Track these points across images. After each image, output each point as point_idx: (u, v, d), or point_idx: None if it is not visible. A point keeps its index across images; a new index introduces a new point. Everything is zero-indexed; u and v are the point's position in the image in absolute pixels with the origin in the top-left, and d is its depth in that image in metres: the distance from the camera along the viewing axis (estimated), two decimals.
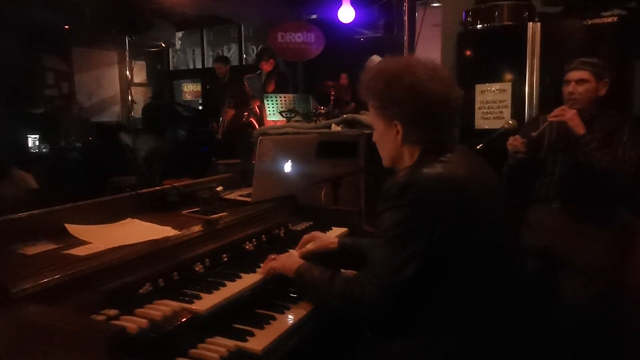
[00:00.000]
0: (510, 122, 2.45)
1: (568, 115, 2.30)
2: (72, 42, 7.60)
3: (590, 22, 2.94)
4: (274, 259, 1.57)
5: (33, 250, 1.40)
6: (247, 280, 1.51)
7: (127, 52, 6.84)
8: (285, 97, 5.06)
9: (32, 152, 5.62)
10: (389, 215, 1.24)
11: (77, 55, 7.90)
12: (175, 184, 2.07)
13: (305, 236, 1.81)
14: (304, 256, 1.69)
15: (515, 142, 2.39)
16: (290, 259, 1.54)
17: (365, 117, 2.94)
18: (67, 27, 6.98)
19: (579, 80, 2.35)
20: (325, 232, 2.07)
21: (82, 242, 1.48)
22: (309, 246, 1.78)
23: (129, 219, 1.75)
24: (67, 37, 7.28)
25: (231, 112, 6.14)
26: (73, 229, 1.56)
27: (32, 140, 5.68)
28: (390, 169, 1.44)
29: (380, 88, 1.32)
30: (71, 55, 7.79)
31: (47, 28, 6.29)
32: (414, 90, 1.27)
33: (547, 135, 2.47)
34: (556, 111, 2.35)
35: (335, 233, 2.08)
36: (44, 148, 5.72)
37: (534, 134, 2.39)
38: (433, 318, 1.26)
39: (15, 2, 5.19)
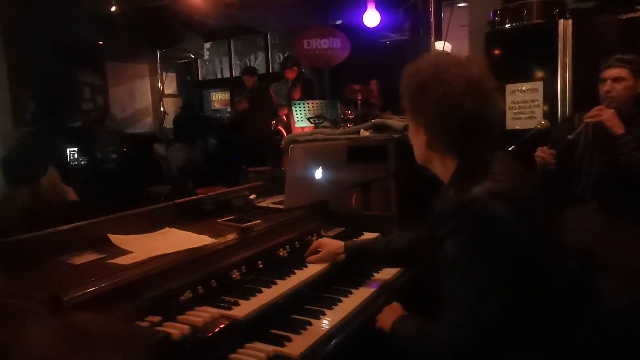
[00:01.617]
0: (542, 122, 2.41)
1: (606, 115, 2.25)
2: (106, 57, 7.89)
3: (625, 16, 2.87)
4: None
5: (80, 260, 1.47)
6: (283, 286, 1.54)
7: (158, 65, 7.06)
8: (312, 103, 5.11)
9: (72, 165, 5.85)
10: (451, 243, 1.18)
11: (111, 69, 8.19)
12: (210, 193, 2.12)
13: (313, 245, 1.81)
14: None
15: (543, 154, 2.33)
16: (390, 313, 1.45)
17: (394, 121, 2.94)
18: (101, 42, 7.26)
19: (616, 78, 2.29)
20: (357, 237, 2.09)
21: (125, 252, 1.54)
22: (318, 255, 1.77)
23: (167, 228, 1.82)
24: (101, 52, 7.56)
25: (244, 104, 6.23)
26: (115, 238, 1.63)
27: (71, 153, 5.91)
28: (420, 173, 1.43)
29: (411, 91, 1.28)
30: (105, 70, 8.09)
31: (83, 44, 6.56)
32: (442, 104, 1.21)
33: (582, 135, 2.42)
34: (593, 111, 2.30)
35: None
36: (82, 160, 5.94)
37: (570, 136, 2.34)
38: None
39: (53, 20, 5.43)
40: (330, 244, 1.79)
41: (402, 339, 1.36)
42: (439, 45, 4.79)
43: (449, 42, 4.94)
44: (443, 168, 1.32)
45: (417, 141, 1.34)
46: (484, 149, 1.27)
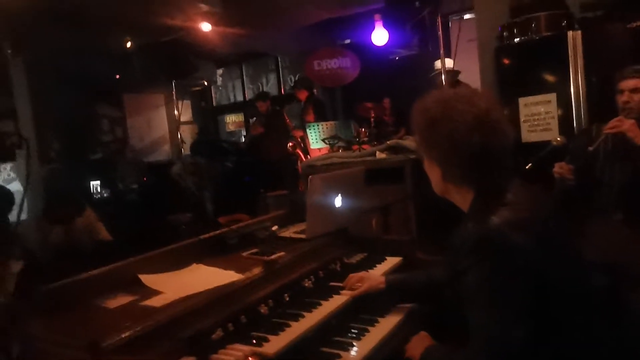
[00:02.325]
0: (558, 138, 2.41)
1: (626, 126, 2.25)
2: (123, 89, 8.11)
3: (634, 25, 2.87)
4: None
5: (114, 303, 1.52)
6: (310, 319, 1.57)
7: (173, 94, 7.24)
8: (326, 124, 5.17)
9: (96, 198, 5.99)
10: (472, 275, 1.20)
11: (128, 101, 8.41)
12: (233, 226, 2.17)
13: (353, 277, 1.82)
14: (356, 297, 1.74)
15: (561, 170, 2.33)
16: (419, 343, 1.47)
17: (409, 142, 2.97)
18: (118, 76, 7.48)
19: (634, 89, 2.30)
20: (379, 263, 2.11)
21: (156, 292, 1.59)
22: (360, 289, 1.78)
23: (194, 265, 1.86)
24: (118, 85, 7.79)
25: (259, 128, 6.33)
26: (146, 279, 1.68)
27: (94, 187, 6.06)
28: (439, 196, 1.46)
29: (422, 127, 1.33)
30: (122, 101, 8.30)
31: (101, 79, 6.77)
32: (452, 140, 1.25)
33: (602, 146, 2.41)
34: (612, 122, 2.30)
35: (390, 263, 2.12)
36: (104, 193, 6.08)
37: (590, 148, 2.34)
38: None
39: (73, 58, 5.63)
40: (372, 279, 1.81)
41: None
42: (442, 64, 4.82)
43: (458, 56, 4.97)
44: (461, 199, 1.35)
45: (433, 174, 1.38)
46: (498, 178, 1.30)
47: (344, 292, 1.79)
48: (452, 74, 4.74)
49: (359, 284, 1.79)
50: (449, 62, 4.82)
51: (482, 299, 1.19)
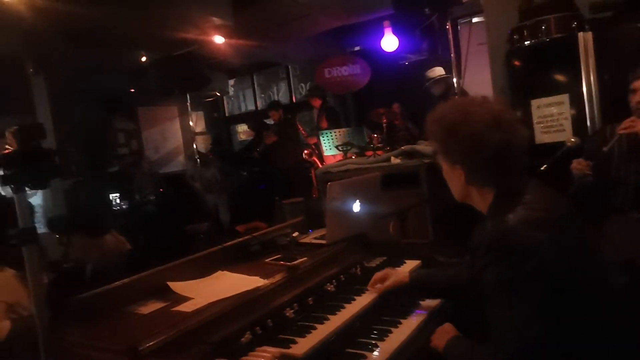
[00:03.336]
0: (572, 139, 2.43)
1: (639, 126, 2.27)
2: (138, 103, 8.27)
3: None
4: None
5: (146, 309, 1.59)
6: (335, 321, 1.61)
7: (187, 105, 7.36)
8: (339, 131, 5.24)
9: (115, 210, 6.11)
10: (490, 273, 1.24)
11: (142, 114, 8.57)
12: (254, 234, 2.23)
13: (378, 274, 1.86)
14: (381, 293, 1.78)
15: (580, 167, 2.35)
16: (443, 334, 1.52)
17: (423, 147, 3.02)
18: (132, 90, 7.64)
19: None
20: (398, 267, 2.15)
21: (185, 298, 1.65)
22: (386, 283, 1.82)
23: (219, 272, 1.92)
24: (133, 99, 7.95)
25: (272, 137, 6.41)
26: (175, 286, 1.75)
27: (113, 199, 6.19)
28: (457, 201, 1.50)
29: (441, 135, 1.39)
30: (137, 115, 8.46)
31: (117, 94, 6.93)
32: (472, 141, 1.31)
33: (616, 146, 2.43)
34: (626, 123, 2.32)
35: (409, 266, 2.15)
36: (123, 205, 6.20)
37: (605, 148, 2.35)
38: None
39: (91, 74, 5.79)
40: (397, 273, 1.85)
41: (453, 358, 1.43)
42: (438, 71, 4.87)
43: (468, 60, 5.00)
44: (482, 201, 1.40)
45: (455, 179, 1.42)
46: (517, 177, 1.36)
47: (371, 287, 1.84)
48: (447, 79, 4.80)
49: (385, 282, 1.83)
50: (440, 71, 4.89)
51: (500, 298, 1.23)
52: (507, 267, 1.22)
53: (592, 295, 1.30)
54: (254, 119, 9.82)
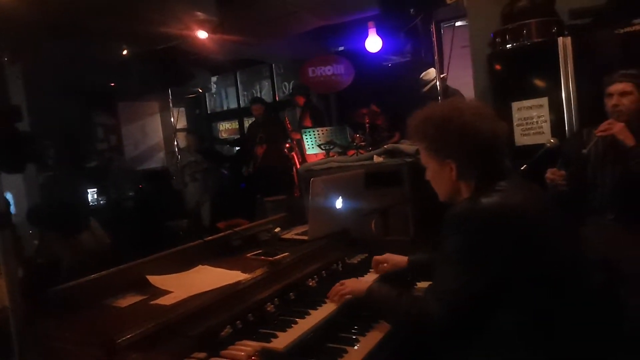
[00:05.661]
0: (552, 140, 2.48)
1: (616, 128, 2.32)
2: (118, 98, 8.12)
3: (622, 31, 2.96)
4: (341, 286, 1.67)
5: (124, 302, 1.56)
6: (316, 316, 1.61)
7: (169, 101, 7.26)
8: (321, 130, 5.23)
9: (93, 206, 5.99)
10: (451, 241, 1.33)
11: (123, 109, 8.41)
12: (236, 229, 2.21)
13: (377, 258, 1.96)
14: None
15: (553, 177, 2.40)
16: (358, 283, 1.65)
17: (406, 146, 3.04)
18: (113, 84, 7.50)
19: (623, 92, 2.38)
20: None
21: (164, 292, 1.63)
22: (385, 266, 1.93)
23: (199, 266, 1.90)
24: (113, 94, 7.80)
25: (262, 149, 6.36)
26: (154, 279, 1.72)
27: (91, 194, 6.06)
28: (435, 195, 1.53)
29: (430, 132, 1.42)
30: (117, 110, 8.31)
31: (96, 88, 6.79)
32: (465, 131, 1.36)
33: (592, 148, 2.49)
34: (603, 125, 2.37)
35: None
36: (101, 200, 6.08)
37: (584, 151, 2.41)
38: (496, 333, 1.32)
39: (69, 67, 5.66)
40: (396, 258, 1.94)
41: (377, 300, 1.51)
42: (432, 73, 4.85)
43: (451, 62, 5.04)
44: (468, 192, 1.43)
45: (444, 177, 1.45)
46: (502, 165, 1.43)
47: (371, 271, 1.94)
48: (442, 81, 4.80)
49: (385, 264, 1.93)
50: (432, 72, 4.89)
51: (451, 259, 1.32)
52: (466, 243, 1.30)
53: (570, 287, 1.33)
54: (236, 116, 9.77)
